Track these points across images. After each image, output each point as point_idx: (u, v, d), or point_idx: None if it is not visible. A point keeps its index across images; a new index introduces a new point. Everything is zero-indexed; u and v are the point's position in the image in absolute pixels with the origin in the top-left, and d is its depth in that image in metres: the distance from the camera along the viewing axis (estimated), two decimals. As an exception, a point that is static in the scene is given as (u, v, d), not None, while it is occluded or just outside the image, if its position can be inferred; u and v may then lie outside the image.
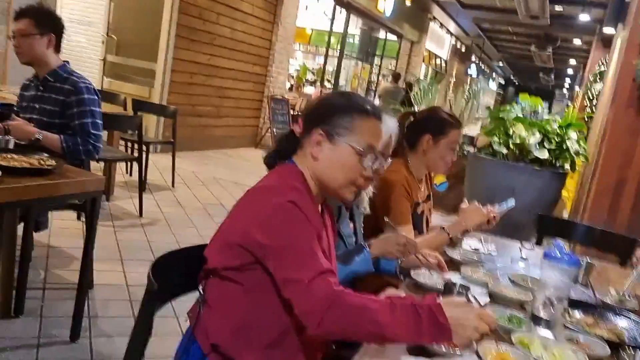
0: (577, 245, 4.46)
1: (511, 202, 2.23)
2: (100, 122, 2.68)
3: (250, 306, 1.25)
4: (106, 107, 4.99)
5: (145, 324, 1.23)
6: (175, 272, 1.38)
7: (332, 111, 1.32)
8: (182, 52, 6.55)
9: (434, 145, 2.19)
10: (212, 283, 1.30)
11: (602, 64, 9.12)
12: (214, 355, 1.26)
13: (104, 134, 5.02)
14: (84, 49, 6.85)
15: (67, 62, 2.73)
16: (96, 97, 2.69)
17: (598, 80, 9.39)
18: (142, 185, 4.29)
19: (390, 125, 1.36)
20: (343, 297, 1.13)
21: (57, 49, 2.67)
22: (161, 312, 1.38)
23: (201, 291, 1.32)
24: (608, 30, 8.50)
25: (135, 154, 4.51)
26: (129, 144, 5.12)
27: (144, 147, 4.67)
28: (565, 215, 6.51)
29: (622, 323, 1.65)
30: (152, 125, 6.49)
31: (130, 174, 5.34)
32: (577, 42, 15.05)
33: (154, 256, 1.58)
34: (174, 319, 2.53)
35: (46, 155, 2.17)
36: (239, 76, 7.82)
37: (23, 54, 2.61)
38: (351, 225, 1.86)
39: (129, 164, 5.37)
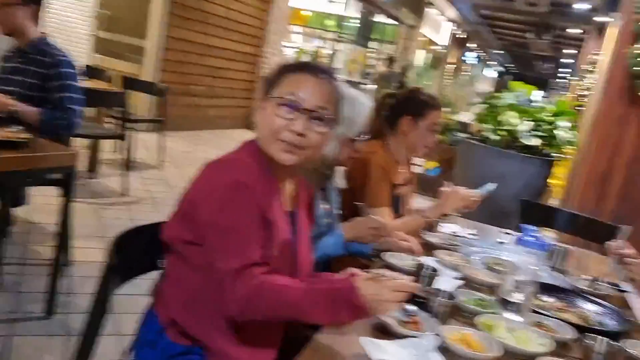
0: (563, 234, 4.47)
1: (491, 186, 2.22)
2: (80, 97, 2.64)
3: (200, 281, 1.23)
4: (93, 84, 4.97)
5: (102, 301, 1.21)
6: (140, 248, 1.36)
7: (271, 76, 1.30)
8: (176, 30, 6.47)
9: (414, 126, 2.17)
10: (170, 257, 1.29)
11: (597, 53, 9.08)
12: (172, 329, 1.26)
13: (90, 111, 5.00)
14: (73, 24, 6.75)
15: (46, 34, 2.69)
16: (75, 72, 2.65)
17: (592, 69, 9.37)
18: (127, 164, 4.25)
19: (330, 86, 1.29)
20: (263, 287, 1.13)
21: (36, 20, 2.62)
22: (132, 290, 1.37)
23: (163, 265, 1.31)
24: (602, 19, 8.45)
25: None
26: (116, 122, 5.07)
27: (131, 125, 4.64)
28: (556, 203, 6.52)
29: (591, 308, 1.65)
30: (143, 103, 6.43)
31: (118, 152, 5.29)
32: (574, 31, 14.96)
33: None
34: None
35: (21, 127, 2.14)
36: (233, 56, 7.75)
37: (4, 23, 2.56)
38: (326, 206, 1.85)
39: (117, 142, 5.32)
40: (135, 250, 1.36)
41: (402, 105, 2.21)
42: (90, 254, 3.02)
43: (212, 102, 7.56)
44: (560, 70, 26.02)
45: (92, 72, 5.43)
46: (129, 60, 6.53)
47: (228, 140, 7.40)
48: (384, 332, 1.25)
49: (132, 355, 1.31)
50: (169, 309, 1.27)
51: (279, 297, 1.14)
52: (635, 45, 4.35)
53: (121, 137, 4.21)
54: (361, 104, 1.72)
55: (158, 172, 5.03)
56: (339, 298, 1.12)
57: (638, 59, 4.27)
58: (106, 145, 5.13)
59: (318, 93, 1.26)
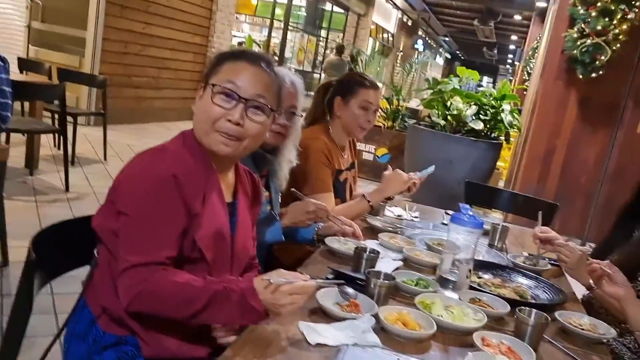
0: (507, 214, 4.61)
1: (431, 169, 2.25)
2: (7, 89, 2.51)
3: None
4: (30, 77, 4.75)
5: (23, 299, 1.15)
6: (67, 243, 1.31)
7: (210, 64, 1.28)
8: (114, 20, 6.25)
9: (345, 106, 2.18)
10: (100, 246, 1.26)
11: (538, 38, 9.36)
12: (104, 317, 1.22)
13: (26, 105, 4.79)
14: (7, 16, 6.44)
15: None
16: (2, 64, 2.52)
17: (535, 54, 9.66)
18: (69, 158, 4.09)
19: (269, 74, 1.27)
20: (153, 286, 1.11)
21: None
22: (66, 289, 1.32)
23: (95, 254, 1.28)
24: (542, 4, 8.70)
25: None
26: (56, 115, 4.89)
27: (71, 119, 4.48)
28: (501, 184, 6.72)
29: (527, 282, 1.70)
30: (84, 96, 6.22)
31: (59, 147, 5.10)
32: (517, 17, 15.37)
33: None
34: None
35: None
36: (178, 46, 7.57)
37: None
38: (266, 194, 1.82)
39: (56, 136, 5.13)
40: (60, 245, 1.30)
41: (335, 88, 2.22)
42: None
43: (158, 93, 7.37)
44: (507, 56, 26.73)
45: (28, 64, 5.20)
46: (68, 52, 6.27)
47: (175, 132, 7.18)
48: (323, 316, 1.25)
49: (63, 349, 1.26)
50: (100, 297, 1.23)
51: (171, 293, 1.11)
52: (571, 30, 4.50)
53: (60, 132, 4.04)
54: (292, 82, 1.72)
55: (101, 167, 4.88)
56: (236, 297, 1.11)
57: (575, 43, 4.42)
58: (46, 141, 4.94)
59: (257, 82, 1.24)
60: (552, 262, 1.89)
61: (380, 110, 4.71)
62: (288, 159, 1.81)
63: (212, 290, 1.13)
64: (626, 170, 4.67)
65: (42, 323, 2.20)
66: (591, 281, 1.62)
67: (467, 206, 1.53)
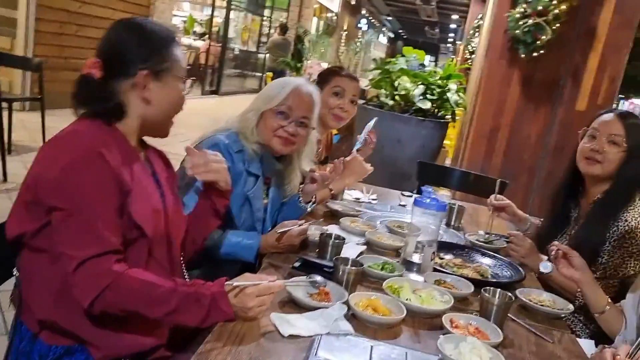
0: (456, 192, 4.74)
1: (372, 122, 2.28)
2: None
3: (61, 269, 1.10)
4: (-44, 60, 4.44)
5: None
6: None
7: (145, 47, 1.20)
8: (48, -1, 5.91)
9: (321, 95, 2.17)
10: (22, 257, 1.17)
11: (481, 18, 9.56)
12: (45, 331, 1.16)
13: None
14: None
15: None
16: None
17: (476, 33, 9.87)
18: (5, 147, 3.87)
19: None
20: (122, 280, 1.07)
21: None
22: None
23: (17, 270, 1.20)
24: (485, -16, 8.85)
25: (-5, 113, 4.04)
26: (-11, 102, 4.60)
27: (6, 105, 4.22)
28: (448, 162, 6.88)
29: (487, 261, 1.75)
30: (17, 80, 5.87)
31: (-7, 135, 4.81)
32: (459, -4, 15.64)
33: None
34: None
35: None
36: (118, 26, 7.24)
37: None
38: (264, 201, 1.78)
39: (-10, 124, 4.82)
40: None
41: (316, 82, 2.22)
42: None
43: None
44: (448, 35, 27.21)
45: (-47, 47, 4.86)
46: (-2, 33, 5.89)
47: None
48: (294, 306, 1.24)
49: None
50: (36, 312, 1.16)
51: (140, 293, 1.08)
52: (513, 10, 4.61)
53: (-6, 119, 3.80)
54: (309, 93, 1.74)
55: (41, 155, 4.63)
56: (207, 301, 1.10)
57: (518, 23, 4.54)
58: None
59: None
60: (508, 240, 1.95)
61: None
62: (298, 171, 1.79)
63: (183, 293, 1.10)
64: (566, 146, 4.86)
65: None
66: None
67: (430, 189, 1.55)
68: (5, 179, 3.79)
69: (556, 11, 4.43)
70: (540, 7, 4.44)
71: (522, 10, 4.54)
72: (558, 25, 4.47)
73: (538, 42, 4.55)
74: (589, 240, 1.73)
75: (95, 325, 1.13)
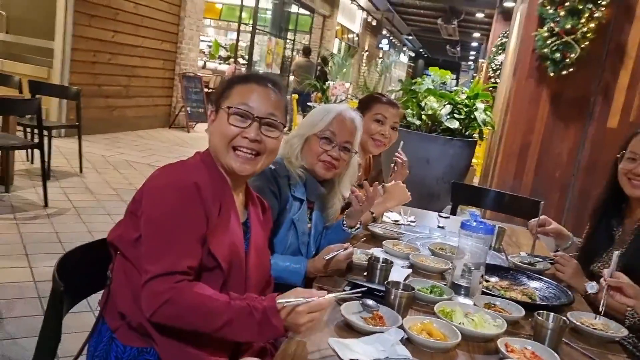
0: (487, 210, 4.71)
1: (400, 144, 2.41)
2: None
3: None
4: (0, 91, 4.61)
5: (52, 328, 1.13)
6: (85, 267, 1.29)
7: (221, 89, 1.36)
8: (83, 29, 6.11)
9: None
10: (117, 260, 1.27)
11: (505, 36, 9.57)
12: (122, 328, 1.23)
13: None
14: (-32, 27, 6.23)
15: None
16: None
17: (500, 52, 9.88)
18: (46, 173, 3.99)
19: (277, 94, 1.35)
20: (181, 294, 1.13)
21: None
22: (78, 307, 1.30)
23: (109, 273, 1.28)
24: (508, 3, 8.89)
25: (36, 140, 4.18)
26: (28, 130, 4.76)
27: (45, 132, 4.36)
28: (476, 181, 6.85)
29: (533, 284, 1.75)
30: (53, 108, 6.06)
31: (32, 162, 4.97)
32: (479, 15, 15.67)
33: (63, 248, 1.42)
34: (90, 313, 2.39)
35: None
36: (147, 53, 7.45)
37: None
38: (308, 225, 1.83)
39: (29, 151, 4.99)
40: (82, 270, 1.29)
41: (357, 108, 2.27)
42: (13, 274, 2.82)
43: (129, 102, 7.24)
44: (469, 53, 27.19)
45: (-4, 78, 5.04)
46: (35, 63, 6.10)
47: (149, 141, 7.15)
48: (349, 330, 1.26)
49: None
50: (116, 306, 1.24)
51: (196, 306, 1.14)
52: (541, 29, 4.62)
53: (39, 147, 3.92)
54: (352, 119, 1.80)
55: (78, 180, 4.77)
56: (259, 315, 1.14)
57: (546, 42, 4.55)
58: (18, 156, 4.80)
59: (267, 101, 1.32)
60: (552, 261, 1.94)
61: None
62: (340, 195, 1.84)
63: (236, 306, 1.15)
64: (598, 163, 4.82)
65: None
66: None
67: (477, 213, 1.56)
68: (46, 204, 3.90)
69: (585, 29, 4.44)
70: (568, 26, 4.45)
71: (550, 28, 4.55)
72: (587, 43, 4.47)
73: (567, 60, 4.54)
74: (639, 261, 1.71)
75: (167, 331, 1.18)
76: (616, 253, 1.60)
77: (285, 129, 1.36)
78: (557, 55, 4.56)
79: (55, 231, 3.47)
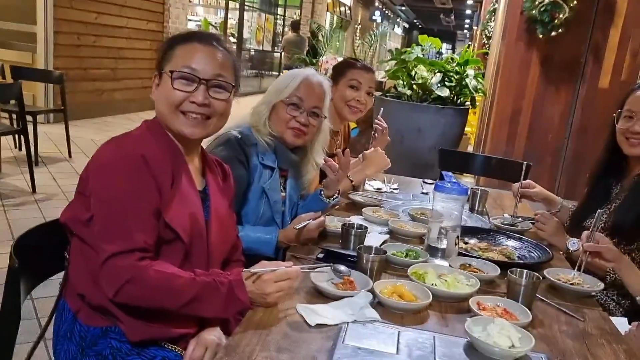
0: (480, 178, 4.69)
1: (380, 111, 2.36)
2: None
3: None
4: (-19, 78, 4.56)
5: (10, 308, 1.11)
6: (44, 248, 1.27)
7: (162, 51, 1.28)
8: (64, 11, 6.01)
9: (336, 88, 2.18)
10: (73, 241, 1.24)
11: (496, 1, 9.41)
12: (83, 309, 1.21)
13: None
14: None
15: None
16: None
17: (493, 18, 9.73)
18: (32, 159, 3.96)
19: (222, 52, 1.28)
20: (143, 274, 1.10)
21: None
22: (46, 292, 1.28)
23: (66, 254, 1.26)
24: (498, -34, 8.71)
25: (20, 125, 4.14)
26: (14, 116, 4.71)
27: (30, 118, 4.32)
28: (470, 150, 6.81)
29: (512, 244, 1.73)
30: (40, 93, 6.00)
31: (20, 149, 4.93)
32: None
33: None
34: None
35: None
36: (133, 34, 7.34)
37: None
38: (282, 194, 1.79)
39: (16, 137, 4.95)
40: (44, 250, 1.26)
41: (331, 76, 2.23)
42: (0, 260, 2.81)
43: (117, 85, 7.15)
44: (464, 22, 26.88)
45: (-24, 65, 4.98)
46: (19, 48, 6.01)
47: (138, 124, 7.06)
48: (320, 296, 1.24)
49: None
50: (75, 288, 1.21)
51: (160, 284, 1.11)
52: (528, -10, 4.54)
53: (21, 132, 3.89)
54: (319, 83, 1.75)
55: (67, 165, 4.74)
56: (225, 289, 1.13)
57: (534, 3, 4.46)
58: (5, 142, 4.76)
59: (213, 61, 1.25)
60: (533, 221, 1.92)
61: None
62: (314, 162, 1.80)
63: (201, 282, 1.14)
64: (590, 125, 4.78)
65: (25, 329, 2.14)
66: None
67: (450, 174, 1.54)
68: (34, 191, 3.87)
69: (573, -12, 4.35)
70: (556, -15, 4.37)
71: (538, -11, 4.47)
72: (575, 2, 4.39)
73: (556, 20, 4.47)
74: (631, 213, 1.69)
75: (125, 310, 1.16)
76: (599, 211, 1.58)
77: (235, 89, 1.30)
78: (546, 16, 4.49)
79: (43, 217, 3.45)
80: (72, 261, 1.24)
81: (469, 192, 2.12)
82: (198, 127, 1.25)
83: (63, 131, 4.91)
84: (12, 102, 4.30)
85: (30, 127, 4.14)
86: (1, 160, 4.27)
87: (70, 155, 4.91)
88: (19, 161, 4.58)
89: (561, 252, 1.76)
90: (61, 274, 1.33)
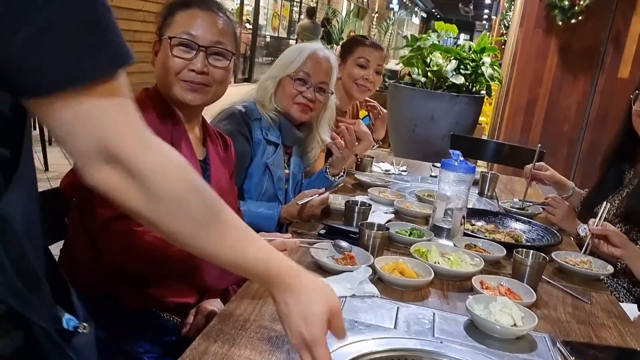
0: (494, 165, 4.63)
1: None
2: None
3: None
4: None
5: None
6: (44, 215, 1.26)
7: (162, 16, 1.27)
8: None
9: (343, 66, 2.15)
10: (72, 208, 1.24)
11: (516, -11, 9.23)
12: (81, 275, 1.18)
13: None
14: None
15: None
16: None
17: (512, 6, 9.56)
18: (46, 138, 3.99)
19: (222, 18, 1.26)
20: (139, 241, 1.09)
21: None
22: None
23: (67, 221, 1.26)
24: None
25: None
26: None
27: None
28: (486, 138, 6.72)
29: (521, 227, 1.69)
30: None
31: (34, 127, 4.96)
32: (493, -30, 15.19)
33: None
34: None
35: None
36: (149, 18, 7.31)
37: None
38: (286, 171, 1.77)
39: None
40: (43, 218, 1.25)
41: (339, 53, 2.19)
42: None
43: (132, 68, 7.06)
44: (483, 12, 26.49)
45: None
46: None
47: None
48: (319, 271, 1.22)
49: None
50: (73, 253, 1.21)
51: (157, 250, 1.09)
52: (548, -25, 4.43)
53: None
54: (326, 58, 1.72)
55: (80, 145, 4.76)
56: None
57: (553, -11, 4.36)
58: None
59: (212, 27, 1.23)
60: (544, 206, 1.88)
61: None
62: (319, 138, 1.77)
63: None
64: (608, 115, 4.68)
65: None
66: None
67: (458, 152, 1.50)
68: (46, 169, 3.90)
69: (594, -27, 4.24)
70: (577, -29, 4.26)
71: (558, -26, 4.36)
72: (597, -12, 4.27)
73: (576, 7, 4.36)
74: None
75: (123, 278, 1.15)
76: (604, 204, 1.54)
77: (235, 56, 1.28)
78: (566, 2, 4.38)
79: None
80: (70, 227, 1.23)
81: (477, 176, 2.10)
82: (198, 93, 1.23)
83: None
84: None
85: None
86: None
87: (83, 136, 4.93)
88: (33, 140, 4.60)
89: (571, 237, 1.72)
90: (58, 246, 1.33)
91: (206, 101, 1.27)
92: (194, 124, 1.32)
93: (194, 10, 1.23)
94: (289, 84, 1.67)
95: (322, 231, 1.45)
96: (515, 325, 1.03)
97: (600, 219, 1.50)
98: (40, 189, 2.90)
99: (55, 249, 1.30)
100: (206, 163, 1.31)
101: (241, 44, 11.20)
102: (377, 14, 19.31)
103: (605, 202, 1.55)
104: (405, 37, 6.68)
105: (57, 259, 1.27)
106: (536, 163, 2.00)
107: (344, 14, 13.29)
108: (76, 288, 1.18)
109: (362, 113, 3.26)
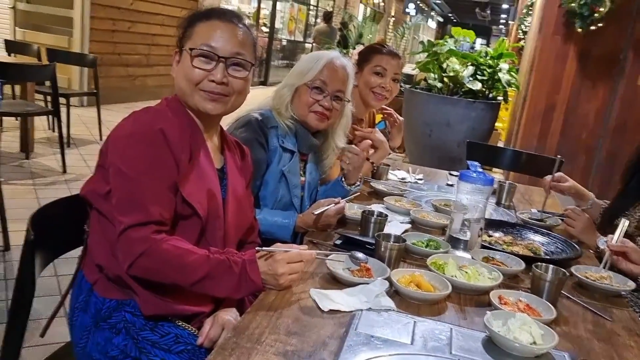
0: (510, 173, 4.58)
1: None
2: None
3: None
4: (18, 59, 4.65)
5: (25, 280, 1.12)
6: (62, 221, 1.27)
7: (182, 28, 1.27)
8: (100, -4, 6.10)
9: (360, 74, 2.14)
10: (92, 214, 1.24)
11: (534, -6, 9.16)
12: (100, 280, 1.21)
13: (16, 88, 4.69)
14: (-10, -2, 6.28)
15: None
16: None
17: (530, 12, 9.48)
18: (64, 140, 4.03)
19: (242, 30, 1.26)
20: (157, 247, 1.10)
21: None
22: (70, 270, 1.29)
23: (86, 227, 1.26)
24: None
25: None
26: (49, 98, 4.80)
27: (64, 100, 4.40)
28: (501, 145, 6.66)
29: (539, 239, 1.67)
30: (75, 77, 6.10)
31: (54, 130, 5.02)
32: (511, -26, 15.08)
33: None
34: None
35: None
36: (167, 21, 7.39)
37: None
38: (302, 178, 1.77)
39: (50, 119, 5.05)
40: (63, 224, 1.26)
41: (357, 61, 2.18)
42: (29, 237, 2.86)
43: (149, 71, 7.23)
44: (500, 17, 26.30)
45: (16, 46, 5.08)
46: (56, 32, 6.12)
47: (171, 110, 7.12)
48: (335, 282, 1.21)
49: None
50: (94, 259, 1.22)
51: (174, 258, 1.10)
52: (568, -18, 4.39)
53: (54, 113, 3.96)
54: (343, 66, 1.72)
55: (97, 147, 4.73)
56: (237, 269, 1.12)
57: (572, -5, 4.32)
58: (40, 124, 4.86)
59: (232, 39, 1.24)
60: (562, 217, 1.85)
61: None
62: (334, 146, 1.77)
63: (215, 260, 1.13)
64: (627, 123, 4.62)
65: (49, 305, 2.18)
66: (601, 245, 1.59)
67: (476, 163, 1.48)
68: (64, 171, 3.94)
69: (615, -19, 4.19)
70: (597, -23, 4.21)
71: (578, -19, 4.32)
72: (617, -5, 4.22)
73: (596, 14, 4.31)
74: None
75: (141, 283, 1.16)
76: (623, 220, 1.52)
77: (254, 67, 1.28)
78: (586, 9, 4.33)
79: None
80: (91, 233, 1.25)
81: (495, 185, 2.08)
82: (218, 103, 1.24)
83: (95, 114, 4.98)
84: (47, 84, 4.38)
85: (63, 110, 4.21)
86: (35, 140, 4.35)
87: (101, 138, 4.98)
88: (52, 142, 4.67)
89: (591, 251, 1.69)
90: (80, 251, 1.34)
91: (225, 111, 1.28)
92: (212, 133, 1.33)
93: (214, 22, 1.24)
94: (306, 93, 1.66)
95: (338, 241, 1.44)
96: (534, 343, 1.01)
97: (619, 235, 1.47)
98: (58, 191, 2.96)
99: (75, 254, 1.32)
100: (224, 172, 1.32)
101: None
102: (393, 19, 19.28)
103: (624, 219, 1.53)
104: (422, 42, 6.65)
105: (77, 263, 1.28)
106: (555, 174, 1.98)
107: (360, 18, 13.29)
108: (95, 291, 1.20)
109: (378, 117, 3.26)
